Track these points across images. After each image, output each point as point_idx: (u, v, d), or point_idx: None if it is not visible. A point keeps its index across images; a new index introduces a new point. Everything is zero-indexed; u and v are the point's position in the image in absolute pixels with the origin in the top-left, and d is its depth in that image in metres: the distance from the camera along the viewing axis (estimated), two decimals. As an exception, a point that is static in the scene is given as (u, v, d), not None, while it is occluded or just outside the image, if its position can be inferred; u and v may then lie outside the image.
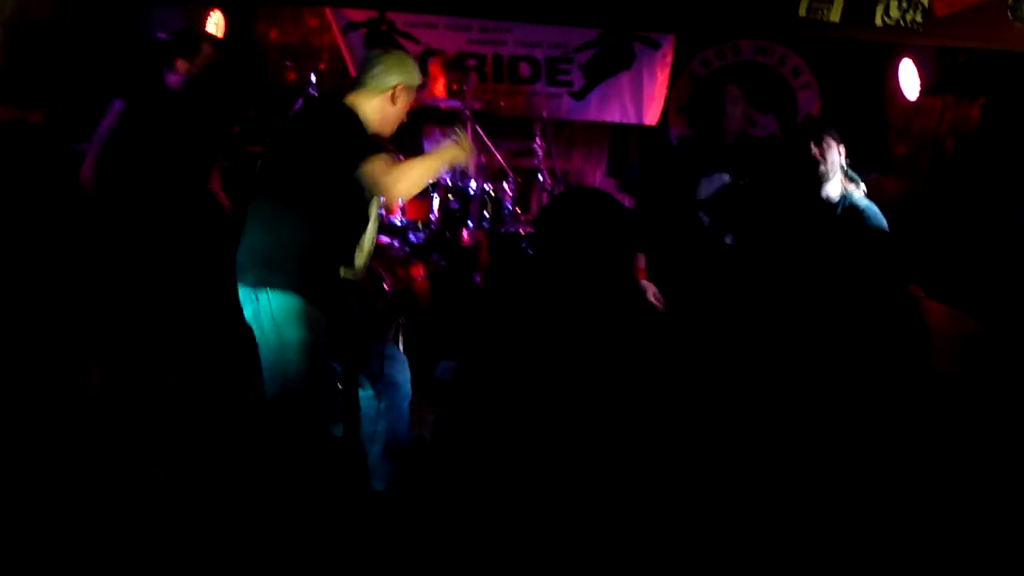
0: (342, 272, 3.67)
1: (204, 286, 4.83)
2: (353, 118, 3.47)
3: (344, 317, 3.71)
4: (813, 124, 4.69)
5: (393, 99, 3.56)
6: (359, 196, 3.49)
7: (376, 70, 3.55)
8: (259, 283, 3.43)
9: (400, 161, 3.68)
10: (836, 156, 4.26)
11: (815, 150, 4.20)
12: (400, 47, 7.15)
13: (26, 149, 5.26)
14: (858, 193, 4.43)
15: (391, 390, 3.91)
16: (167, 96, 4.81)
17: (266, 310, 3.43)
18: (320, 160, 3.39)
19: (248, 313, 3.51)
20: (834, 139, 4.28)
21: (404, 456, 3.95)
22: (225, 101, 5.15)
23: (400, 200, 5.88)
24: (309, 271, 3.48)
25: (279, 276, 3.44)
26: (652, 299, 4.57)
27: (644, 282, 4.60)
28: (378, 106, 3.55)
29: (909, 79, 5.94)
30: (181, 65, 4.78)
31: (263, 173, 3.57)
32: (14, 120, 5.58)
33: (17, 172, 5.19)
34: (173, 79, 4.81)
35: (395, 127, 3.68)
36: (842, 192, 4.35)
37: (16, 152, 5.34)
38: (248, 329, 3.52)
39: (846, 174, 4.40)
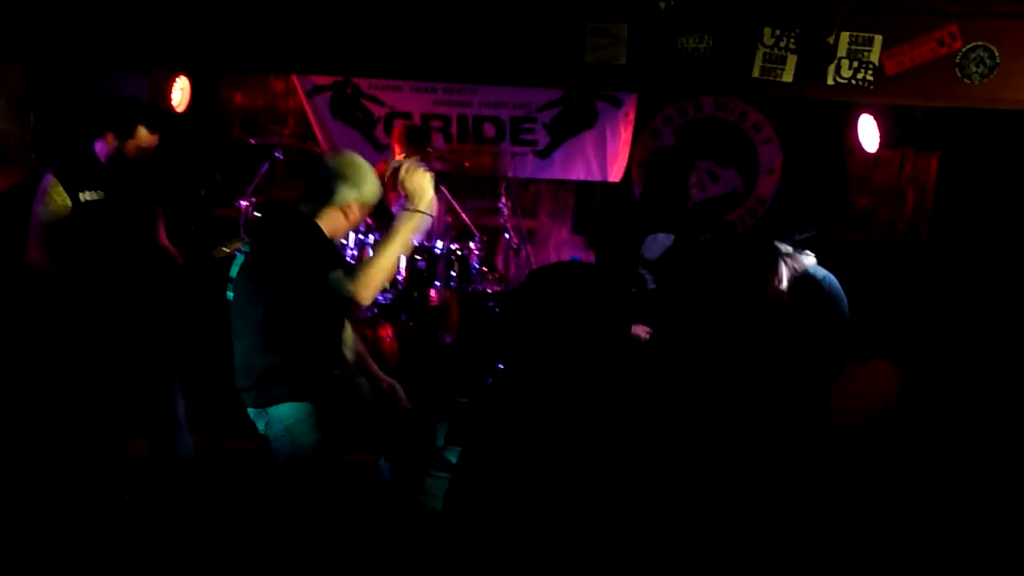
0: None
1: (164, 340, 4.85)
2: (315, 229, 3.56)
3: (355, 408, 3.82)
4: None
5: (347, 214, 3.64)
6: (335, 298, 3.56)
7: (332, 185, 3.61)
8: (265, 403, 3.56)
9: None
10: (785, 271, 4.32)
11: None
12: (365, 109, 7.29)
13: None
14: (811, 260, 4.49)
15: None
16: (95, 166, 4.64)
17: (277, 423, 3.56)
18: (293, 275, 3.47)
19: (260, 426, 3.64)
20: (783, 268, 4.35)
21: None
22: (162, 163, 5.05)
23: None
24: (307, 377, 3.59)
25: (281, 390, 3.56)
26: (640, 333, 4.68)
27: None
28: (332, 218, 3.62)
29: (868, 133, 6.10)
30: (111, 139, 4.60)
31: (238, 296, 3.65)
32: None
33: None
34: (101, 149, 4.64)
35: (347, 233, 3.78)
36: (793, 269, 4.33)
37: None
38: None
39: (793, 252, 4.41)
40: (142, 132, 4.59)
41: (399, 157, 6.58)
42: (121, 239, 4.72)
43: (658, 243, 4.85)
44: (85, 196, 4.54)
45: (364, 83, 7.25)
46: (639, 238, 4.85)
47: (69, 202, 4.50)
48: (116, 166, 4.63)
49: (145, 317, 4.71)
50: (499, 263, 7.14)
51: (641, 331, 4.72)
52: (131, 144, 4.58)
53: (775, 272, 4.26)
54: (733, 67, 4.15)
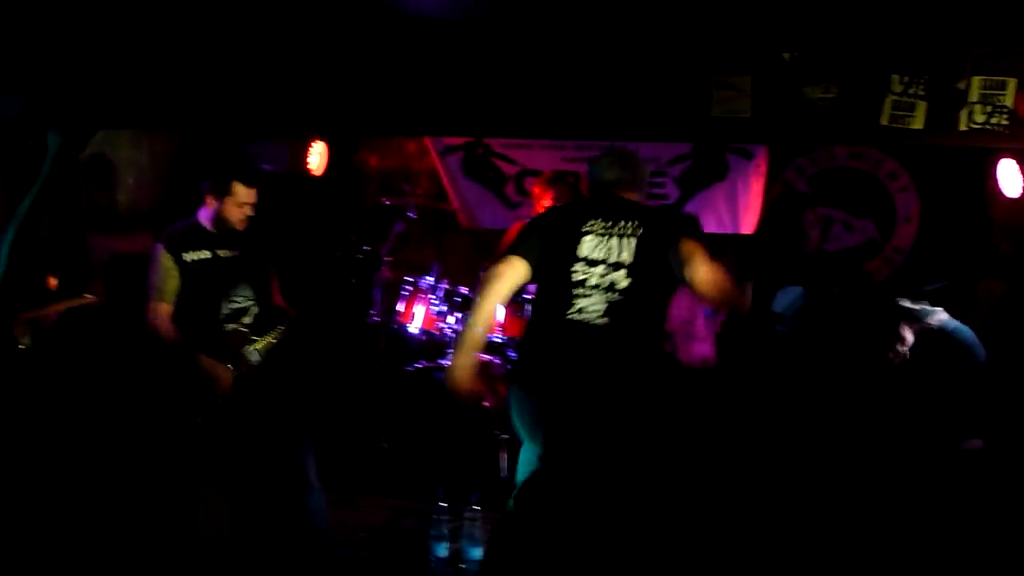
0: None
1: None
2: None
3: None
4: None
5: None
6: None
7: (640, 170, 3.93)
8: None
9: None
10: (908, 335, 4.36)
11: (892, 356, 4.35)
12: (496, 168, 7.47)
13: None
14: (943, 316, 4.45)
15: None
16: (200, 231, 4.80)
17: None
18: None
19: None
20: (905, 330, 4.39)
21: None
22: (270, 224, 5.15)
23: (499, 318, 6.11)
24: None
25: None
26: None
27: None
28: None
29: (1010, 178, 5.99)
30: (211, 201, 4.73)
31: None
32: (125, 252, 5.95)
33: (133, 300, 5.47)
34: (205, 213, 4.79)
35: None
36: (918, 327, 4.41)
37: (132, 280, 5.64)
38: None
39: (921, 309, 4.46)
40: (238, 188, 4.70)
41: (546, 204, 6.70)
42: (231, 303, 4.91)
43: (787, 296, 4.85)
44: (191, 256, 4.69)
45: (495, 143, 7.43)
46: (770, 290, 4.86)
47: (177, 268, 4.67)
48: (222, 228, 4.76)
49: (268, 377, 4.84)
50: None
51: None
52: (230, 202, 4.70)
53: (898, 336, 4.27)
54: (861, 116, 4.16)
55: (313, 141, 6.81)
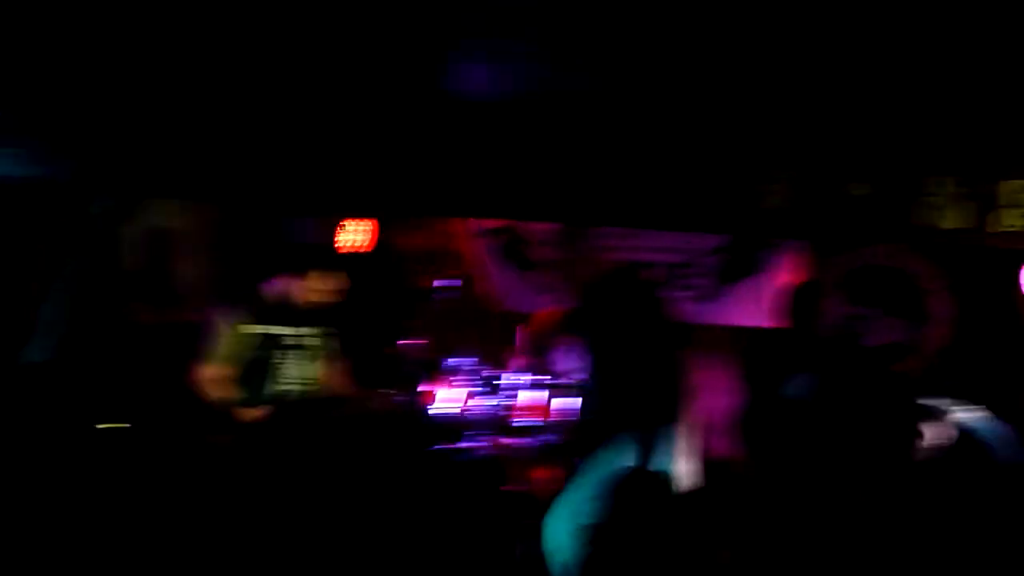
0: None
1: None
2: None
3: None
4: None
5: None
6: None
7: None
8: None
9: None
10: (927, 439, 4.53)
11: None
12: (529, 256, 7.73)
13: (169, 348, 5.71)
14: (966, 413, 4.59)
15: None
16: (265, 303, 5.00)
17: None
18: None
19: None
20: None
21: None
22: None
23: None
24: None
25: None
26: None
27: None
28: None
29: (1040, 283, 6.16)
30: (285, 280, 4.96)
31: None
32: (155, 322, 6.22)
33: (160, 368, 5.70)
34: (271, 288, 5.00)
35: None
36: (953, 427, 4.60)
37: (159, 349, 5.90)
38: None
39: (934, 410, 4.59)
40: (315, 277, 4.97)
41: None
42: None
43: (796, 384, 5.03)
44: (247, 329, 4.90)
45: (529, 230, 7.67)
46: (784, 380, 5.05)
47: (234, 335, 4.89)
48: (286, 306, 4.99)
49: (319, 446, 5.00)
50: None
51: None
52: (303, 286, 4.96)
53: (915, 432, 4.44)
54: (894, 214, 4.35)
55: (344, 220, 7.11)
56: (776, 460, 5.12)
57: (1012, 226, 4.25)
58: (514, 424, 6.39)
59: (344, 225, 7.24)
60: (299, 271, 4.98)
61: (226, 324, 4.90)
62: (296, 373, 5.09)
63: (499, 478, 5.48)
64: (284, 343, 5.04)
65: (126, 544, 4.68)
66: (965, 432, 4.55)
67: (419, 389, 6.46)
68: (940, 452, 4.46)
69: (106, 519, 4.74)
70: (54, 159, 4.89)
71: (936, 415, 4.55)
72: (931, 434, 4.46)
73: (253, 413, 4.93)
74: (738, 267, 7.51)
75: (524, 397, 6.48)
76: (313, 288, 4.99)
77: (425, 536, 5.92)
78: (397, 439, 6.54)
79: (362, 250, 7.15)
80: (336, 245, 7.12)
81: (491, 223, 7.60)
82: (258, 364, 4.97)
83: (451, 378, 6.35)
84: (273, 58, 4.48)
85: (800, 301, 5.18)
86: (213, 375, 4.90)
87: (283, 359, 5.04)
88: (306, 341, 5.12)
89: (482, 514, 5.91)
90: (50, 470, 4.85)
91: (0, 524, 4.19)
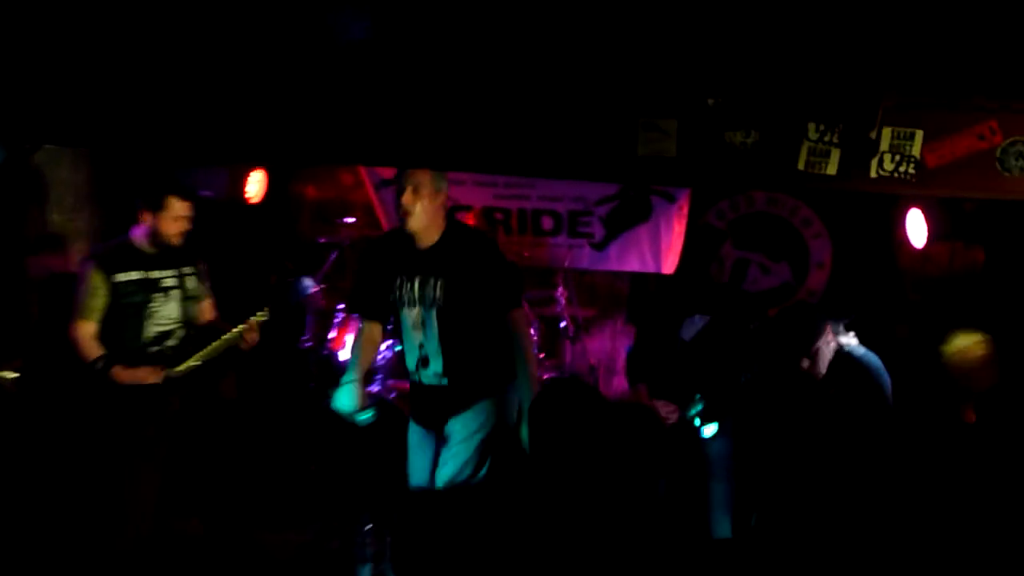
0: None
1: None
2: None
3: None
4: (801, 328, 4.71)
5: None
6: None
7: None
8: None
9: None
10: (825, 349, 4.47)
11: (805, 363, 4.43)
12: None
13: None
14: (849, 339, 4.65)
15: None
16: (132, 250, 4.70)
17: None
18: None
19: None
20: (823, 335, 4.49)
21: None
22: (206, 247, 4.99)
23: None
24: None
25: None
26: (664, 414, 4.74)
27: (654, 403, 4.77)
28: None
29: (916, 228, 6.04)
30: (147, 217, 4.63)
31: None
32: (63, 271, 5.78)
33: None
34: (140, 231, 4.68)
35: None
36: (835, 348, 4.54)
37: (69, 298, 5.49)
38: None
39: (836, 332, 4.61)
40: (173, 202, 4.61)
41: None
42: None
43: (693, 325, 4.86)
44: (121, 278, 4.59)
45: (429, 177, 7.36)
46: (676, 320, 4.88)
47: (107, 286, 4.57)
48: (157, 245, 4.66)
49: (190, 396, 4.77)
50: (556, 350, 7.12)
51: (664, 409, 4.80)
52: (165, 217, 4.60)
53: (819, 340, 4.41)
54: (779, 161, 4.14)
55: (252, 170, 6.71)
56: (676, 396, 5.02)
57: (892, 172, 4.02)
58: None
59: (248, 175, 6.78)
60: (157, 202, 4.61)
61: (98, 275, 4.57)
62: (173, 314, 4.77)
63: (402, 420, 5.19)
64: (161, 286, 4.72)
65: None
66: (845, 355, 4.58)
67: (329, 335, 6.38)
68: (824, 369, 4.46)
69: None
70: None
71: (835, 332, 4.49)
72: (829, 351, 4.40)
73: (136, 374, 4.60)
74: (628, 215, 7.26)
75: None
76: (176, 216, 4.63)
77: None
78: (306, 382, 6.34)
79: (256, 200, 6.75)
80: (234, 197, 6.72)
81: (387, 173, 7.27)
82: (134, 309, 4.64)
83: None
84: (161, 13, 4.26)
85: (690, 247, 5.03)
86: (88, 331, 4.59)
87: (159, 302, 4.71)
88: (184, 282, 4.81)
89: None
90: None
91: None
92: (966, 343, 4.31)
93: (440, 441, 4.24)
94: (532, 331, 6.42)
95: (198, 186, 6.20)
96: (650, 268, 7.32)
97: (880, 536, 3.85)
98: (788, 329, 4.58)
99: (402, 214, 4.18)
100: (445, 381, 4.18)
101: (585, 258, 7.41)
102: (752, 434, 4.65)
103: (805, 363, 4.40)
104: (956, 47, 3.94)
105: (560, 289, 6.82)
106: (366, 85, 4.34)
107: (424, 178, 4.25)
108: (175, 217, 4.62)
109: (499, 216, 7.37)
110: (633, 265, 7.37)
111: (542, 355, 6.57)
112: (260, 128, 4.43)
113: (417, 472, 4.29)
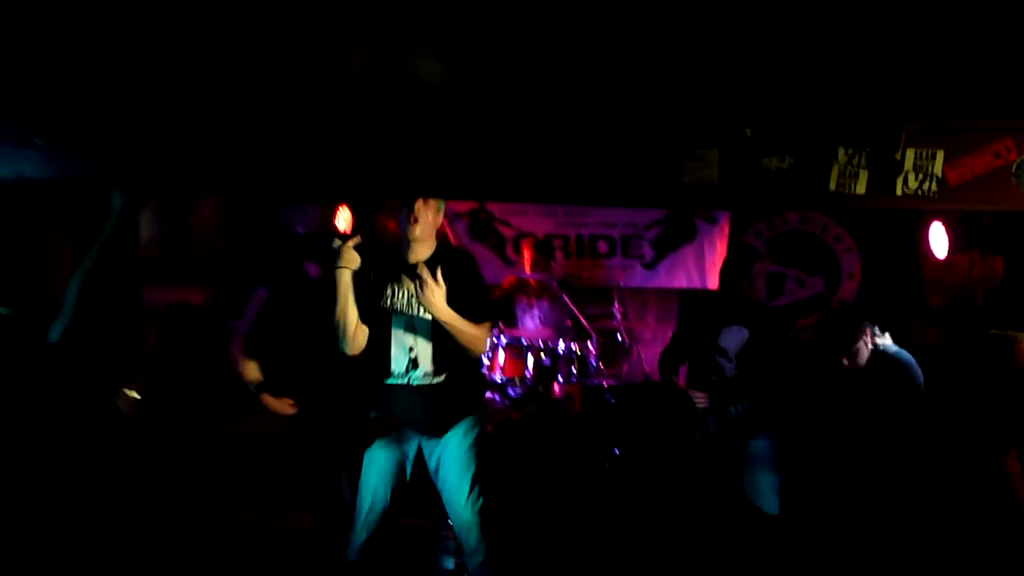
0: None
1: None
2: None
3: None
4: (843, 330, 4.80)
5: None
6: None
7: None
8: None
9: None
10: (864, 348, 4.60)
11: (846, 361, 4.54)
12: (497, 232, 7.52)
13: (191, 325, 5.51)
14: (887, 341, 4.76)
15: None
16: (307, 284, 4.85)
17: None
18: None
19: None
20: (862, 335, 4.62)
21: None
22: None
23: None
24: None
25: None
26: (698, 401, 4.87)
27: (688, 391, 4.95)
28: None
29: (938, 240, 6.02)
30: (316, 268, 4.83)
31: None
32: (177, 301, 5.94)
33: (184, 345, 5.44)
34: (313, 269, 4.85)
35: None
36: (872, 347, 4.65)
37: (183, 327, 5.63)
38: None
39: (874, 332, 4.70)
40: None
41: (527, 267, 6.76)
42: (315, 349, 4.86)
43: (732, 335, 4.90)
44: (293, 309, 4.76)
45: (496, 209, 7.49)
46: (716, 329, 4.93)
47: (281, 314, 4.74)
48: (324, 283, 4.60)
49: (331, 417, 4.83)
50: (612, 361, 7.18)
51: (695, 395, 4.91)
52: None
53: (859, 341, 4.53)
54: (812, 183, 4.12)
55: (339, 206, 6.84)
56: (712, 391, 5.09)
57: (916, 190, 4.03)
58: (494, 379, 6.24)
59: (336, 210, 6.92)
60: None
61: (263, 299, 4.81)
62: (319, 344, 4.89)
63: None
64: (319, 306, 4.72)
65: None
66: (881, 353, 4.68)
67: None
68: (863, 364, 4.55)
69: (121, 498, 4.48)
70: (74, 159, 4.59)
71: (874, 333, 4.64)
72: (867, 349, 4.56)
73: (280, 405, 4.76)
74: (674, 237, 7.32)
75: (501, 356, 6.32)
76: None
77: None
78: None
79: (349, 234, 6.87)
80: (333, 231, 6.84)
81: (460, 207, 7.41)
82: (296, 326, 4.82)
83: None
84: (263, 66, 4.28)
85: (731, 263, 5.07)
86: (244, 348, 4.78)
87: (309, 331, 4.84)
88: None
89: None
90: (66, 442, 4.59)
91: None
92: None
93: (414, 454, 4.16)
94: (590, 345, 6.52)
95: (294, 222, 6.38)
96: (696, 284, 7.39)
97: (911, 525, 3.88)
98: (830, 332, 4.63)
99: (411, 220, 4.23)
100: (437, 380, 4.08)
101: (637, 277, 7.48)
102: (798, 431, 4.69)
103: (845, 362, 4.45)
104: (971, 74, 3.93)
105: (616, 305, 6.86)
106: (441, 126, 4.43)
107: (432, 199, 4.34)
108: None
109: (559, 242, 7.47)
110: (681, 282, 7.44)
111: (600, 365, 6.63)
112: (346, 168, 4.52)
113: (372, 491, 4.10)
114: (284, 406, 4.72)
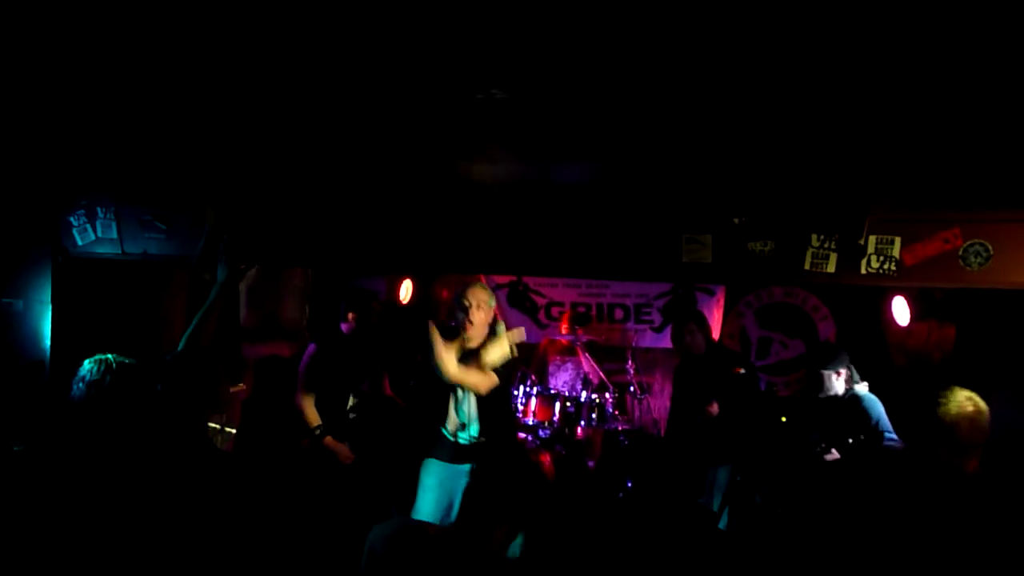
0: None
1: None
2: None
3: None
4: (826, 359, 4.92)
5: None
6: None
7: None
8: None
9: None
10: (840, 381, 4.77)
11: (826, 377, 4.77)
12: (532, 300, 7.43)
13: (280, 374, 5.48)
14: (861, 387, 4.80)
15: None
16: (340, 339, 4.81)
17: None
18: None
19: None
20: (844, 363, 4.79)
21: None
22: (386, 336, 5.19)
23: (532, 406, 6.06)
24: None
25: None
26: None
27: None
28: None
29: (901, 311, 5.84)
30: (351, 316, 4.79)
31: None
32: (270, 354, 5.94)
33: (274, 390, 5.41)
34: (344, 327, 4.82)
35: None
36: (846, 388, 4.77)
37: (274, 376, 5.62)
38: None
39: (851, 376, 4.81)
40: (375, 306, 4.88)
41: (563, 329, 6.69)
42: (358, 388, 4.84)
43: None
44: (333, 359, 4.71)
45: (531, 282, 7.41)
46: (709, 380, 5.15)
47: (326, 364, 4.68)
48: (353, 338, 4.79)
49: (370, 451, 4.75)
50: (627, 408, 7.01)
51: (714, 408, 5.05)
52: (368, 313, 4.82)
53: (839, 371, 4.73)
54: (789, 263, 4.10)
55: (403, 278, 6.83)
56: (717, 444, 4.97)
57: (877, 270, 3.94)
58: (527, 422, 6.13)
59: (400, 282, 6.89)
60: (364, 307, 4.93)
61: (316, 355, 4.73)
62: (361, 386, 4.96)
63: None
64: (350, 356, 4.89)
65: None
66: (854, 395, 4.76)
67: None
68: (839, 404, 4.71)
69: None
70: (188, 241, 4.70)
71: (851, 373, 4.79)
72: (841, 386, 4.73)
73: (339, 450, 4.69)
74: (680, 305, 7.16)
75: (533, 403, 6.22)
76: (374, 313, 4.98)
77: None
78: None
79: (405, 301, 6.83)
80: (390, 299, 6.80)
81: (501, 279, 7.33)
82: (336, 372, 4.76)
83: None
84: (342, 166, 4.38)
85: (725, 328, 5.03)
86: (304, 395, 4.69)
87: (352, 375, 4.85)
88: (365, 364, 4.97)
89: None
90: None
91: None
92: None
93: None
94: (608, 395, 6.39)
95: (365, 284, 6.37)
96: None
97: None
98: (821, 354, 5.01)
99: (465, 325, 4.07)
100: (479, 440, 4.09)
101: (648, 339, 7.32)
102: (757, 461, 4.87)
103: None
104: (925, 174, 3.89)
105: (629, 362, 6.73)
106: (488, 217, 4.42)
107: (483, 296, 4.13)
108: (373, 314, 4.87)
109: (582, 309, 7.37)
110: (686, 344, 7.26)
111: (616, 412, 6.49)
112: (409, 247, 4.52)
113: (430, 507, 4.03)
114: (343, 450, 4.61)
